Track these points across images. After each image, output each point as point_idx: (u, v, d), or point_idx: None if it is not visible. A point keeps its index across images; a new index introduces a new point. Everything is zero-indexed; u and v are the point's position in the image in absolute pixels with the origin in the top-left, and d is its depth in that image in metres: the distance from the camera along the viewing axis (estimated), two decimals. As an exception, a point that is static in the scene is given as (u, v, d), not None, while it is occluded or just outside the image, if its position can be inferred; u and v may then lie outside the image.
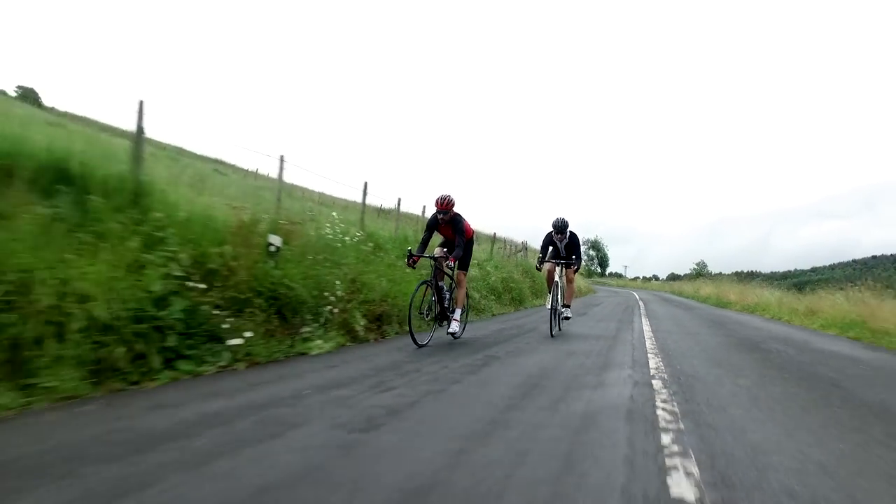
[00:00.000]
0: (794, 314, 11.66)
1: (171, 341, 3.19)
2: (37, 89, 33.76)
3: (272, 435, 2.16)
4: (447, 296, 5.42)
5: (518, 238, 20.56)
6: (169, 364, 3.14)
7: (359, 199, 8.35)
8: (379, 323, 5.42)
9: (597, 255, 73.96)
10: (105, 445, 1.97)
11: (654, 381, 3.78)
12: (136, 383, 2.86)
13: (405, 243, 7.09)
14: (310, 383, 3.15)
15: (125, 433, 2.12)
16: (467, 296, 5.99)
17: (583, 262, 7.75)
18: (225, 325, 3.60)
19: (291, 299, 4.38)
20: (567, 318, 7.01)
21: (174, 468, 1.76)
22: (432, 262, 5.23)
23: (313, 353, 4.18)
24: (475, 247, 6.81)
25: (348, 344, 4.70)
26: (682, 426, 2.64)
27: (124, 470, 1.73)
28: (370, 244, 6.58)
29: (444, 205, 5.20)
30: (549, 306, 6.56)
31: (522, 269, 14.39)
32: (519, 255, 18.12)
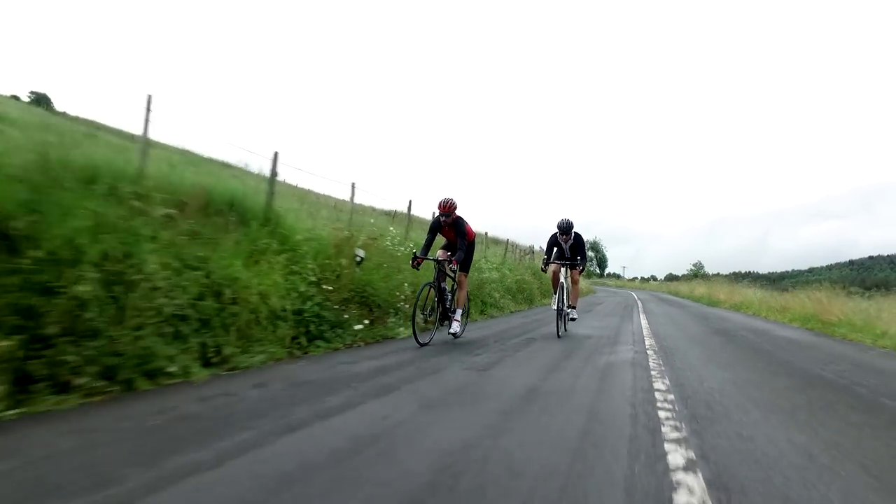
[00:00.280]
0: (770, 310, 13.62)
1: (312, 328, 4.61)
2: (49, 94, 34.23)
3: (434, 372, 3.95)
4: (449, 297, 5.64)
5: (519, 240, 22.41)
6: (311, 342, 4.43)
7: (357, 199, 8.82)
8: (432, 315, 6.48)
9: (595, 256, 74.75)
10: (340, 380, 3.60)
11: (648, 351, 5.67)
12: (306, 353, 4.25)
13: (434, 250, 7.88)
14: (423, 352, 4.80)
15: (342, 374, 3.59)
16: (468, 297, 6.17)
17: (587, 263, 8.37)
18: (346, 316, 5.10)
19: (376, 298, 5.86)
20: (573, 319, 7.10)
21: (390, 388, 3.52)
22: (436, 265, 5.51)
23: (400, 336, 5.58)
24: (477, 249, 6.93)
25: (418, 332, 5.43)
26: (663, 369, 4.53)
27: (371, 385, 3.55)
28: (415, 251, 7.84)
29: (447, 208, 5.41)
30: (555, 307, 6.64)
31: (531, 270, 16.23)
32: (527, 258, 20.03)
